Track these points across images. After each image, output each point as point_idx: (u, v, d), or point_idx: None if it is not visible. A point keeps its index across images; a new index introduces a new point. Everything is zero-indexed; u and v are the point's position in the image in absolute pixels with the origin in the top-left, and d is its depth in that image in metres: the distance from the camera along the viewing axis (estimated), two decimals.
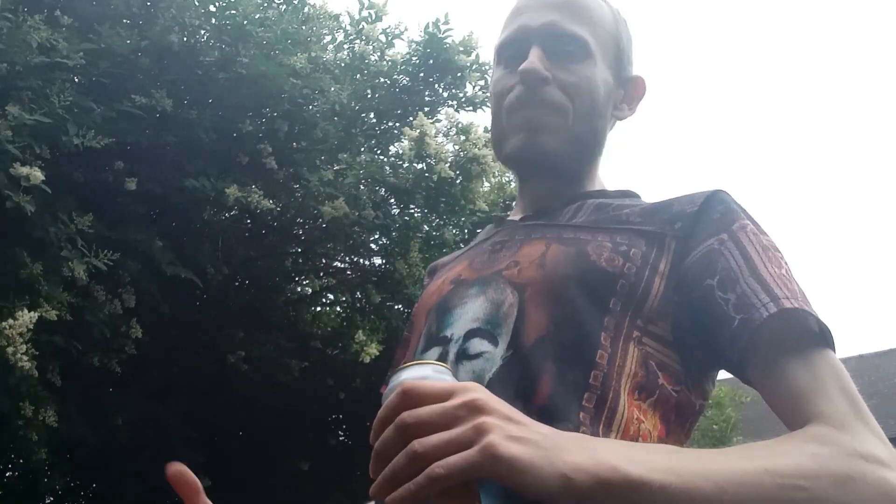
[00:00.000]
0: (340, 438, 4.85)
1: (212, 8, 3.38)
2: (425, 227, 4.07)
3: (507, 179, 4.70)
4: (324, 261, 4.36)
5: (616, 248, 0.78)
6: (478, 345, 0.76)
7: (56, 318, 2.63)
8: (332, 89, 3.54)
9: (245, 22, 3.29)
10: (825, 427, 0.66)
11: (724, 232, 0.77)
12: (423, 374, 0.61)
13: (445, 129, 3.99)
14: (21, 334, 2.40)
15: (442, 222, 4.04)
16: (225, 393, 3.86)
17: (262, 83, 3.30)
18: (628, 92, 0.95)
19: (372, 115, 3.86)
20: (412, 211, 3.99)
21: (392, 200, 3.87)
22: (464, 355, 0.76)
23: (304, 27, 3.71)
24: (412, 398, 0.57)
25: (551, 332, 0.73)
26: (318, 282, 4.26)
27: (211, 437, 3.78)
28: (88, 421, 3.27)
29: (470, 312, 0.79)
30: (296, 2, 3.80)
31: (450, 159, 3.67)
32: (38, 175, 2.46)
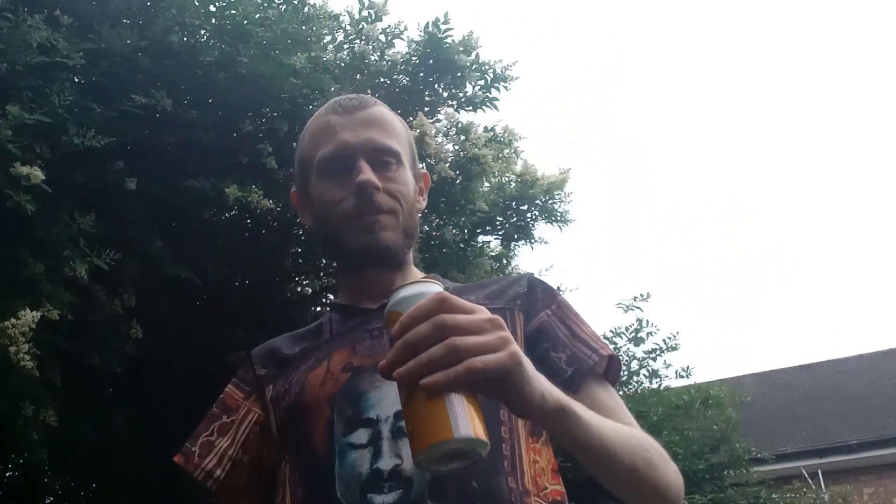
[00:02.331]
0: None
1: (212, 8, 3.38)
2: (425, 227, 4.07)
3: (507, 179, 4.71)
4: (324, 261, 4.36)
5: None
6: None
7: (58, 318, 2.63)
8: (332, 89, 3.54)
9: (245, 22, 3.29)
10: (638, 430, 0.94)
11: (548, 308, 1.04)
12: (434, 289, 0.73)
13: (445, 128, 3.99)
14: (23, 334, 2.41)
15: (442, 222, 4.04)
16: None
17: (262, 83, 3.30)
18: (419, 186, 1.14)
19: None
20: None
21: None
22: (401, 433, 0.88)
23: (304, 27, 3.71)
24: (449, 305, 0.69)
25: None
26: (318, 282, 4.26)
27: None
28: (88, 421, 3.27)
29: (391, 395, 0.86)
30: (296, 2, 3.80)
31: (450, 159, 3.67)
32: (38, 175, 2.46)
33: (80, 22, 3.09)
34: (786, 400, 12.91)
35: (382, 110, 1.09)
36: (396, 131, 1.08)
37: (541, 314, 1.02)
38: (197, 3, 3.30)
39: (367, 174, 1.00)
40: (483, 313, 0.70)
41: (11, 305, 2.50)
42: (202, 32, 3.43)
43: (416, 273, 1.10)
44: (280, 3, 3.76)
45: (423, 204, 1.15)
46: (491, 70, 3.99)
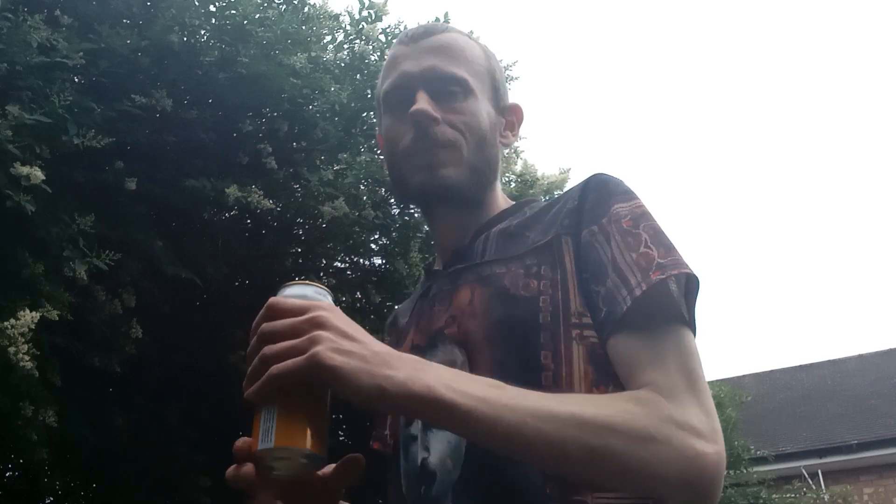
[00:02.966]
0: (340, 438, 4.84)
1: (212, 8, 3.38)
2: (425, 226, 4.07)
3: (507, 180, 4.71)
4: (324, 261, 4.36)
5: (528, 272, 0.86)
6: None
7: (57, 318, 2.63)
8: (332, 89, 3.54)
9: (245, 22, 3.29)
10: (651, 393, 0.73)
11: (595, 223, 0.86)
12: (303, 292, 0.71)
13: None
14: (23, 334, 2.40)
15: None
16: (225, 393, 3.86)
17: (262, 83, 3.30)
18: (508, 120, 1.03)
19: (372, 115, 3.86)
20: (412, 211, 3.99)
21: (392, 200, 3.87)
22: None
23: (304, 27, 3.71)
24: (273, 312, 0.68)
25: (498, 373, 0.74)
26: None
27: (211, 437, 3.78)
28: (88, 421, 3.26)
29: None
30: (296, 2, 3.80)
31: None
32: (38, 175, 2.46)
33: (80, 22, 3.09)
34: (786, 400, 12.91)
35: (453, 36, 0.98)
36: (468, 58, 0.97)
37: (584, 233, 0.85)
38: (197, 3, 3.30)
39: (422, 104, 0.91)
40: (308, 313, 0.67)
41: (11, 306, 2.50)
42: (202, 32, 3.43)
43: (500, 207, 0.99)
44: (280, 3, 3.76)
45: (512, 140, 1.03)
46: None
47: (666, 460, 0.68)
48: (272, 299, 0.69)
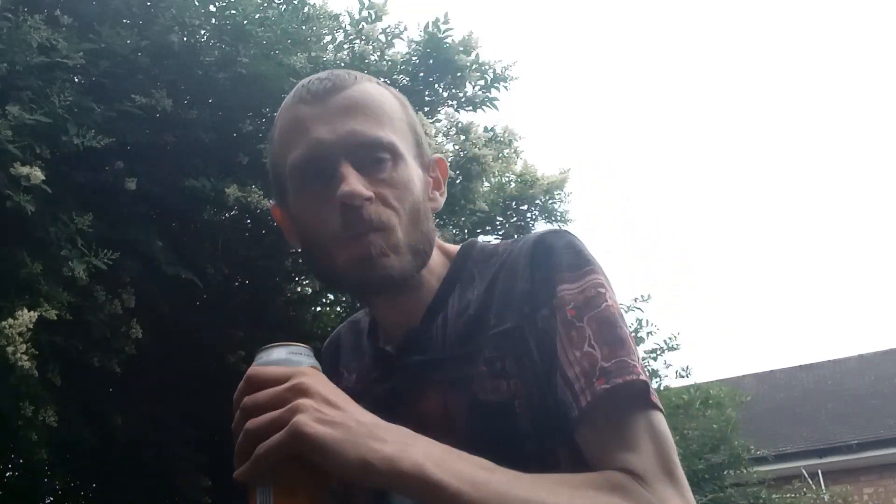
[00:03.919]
0: None
1: (212, 8, 3.37)
2: None
3: (507, 179, 4.71)
4: None
5: (492, 369, 0.78)
6: None
7: (56, 318, 2.63)
8: None
9: (245, 22, 3.29)
10: (630, 479, 0.68)
11: (545, 306, 0.78)
12: (279, 357, 0.68)
13: (445, 128, 3.99)
14: (21, 334, 2.40)
15: (442, 222, 4.04)
16: (225, 393, 3.85)
17: (262, 83, 3.30)
18: (434, 177, 0.91)
19: None
20: None
21: None
22: None
23: (304, 27, 3.70)
24: (253, 383, 0.65)
25: None
26: (318, 282, 4.26)
27: (211, 437, 3.78)
28: (88, 421, 3.27)
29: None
30: (296, 2, 3.80)
31: (449, 159, 3.67)
32: (38, 175, 2.46)
33: (80, 22, 3.09)
34: (786, 400, 12.91)
35: (365, 88, 0.83)
36: (388, 113, 0.83)
37: (538, 316, 0.78)
38: (197, 3, 3.30)
39: (350, 183, 0.77)
40: (290, 381, 0.64)
41: (9, 305, 2.50)
42: (202, 32, 3.42)
43: (439, 274, 0.89)
44: (280, 3, 3.76)
45: (441, 201, 0.91)
46: (491, 70, 3.99)
47: None
48: (251, 369, 0.66)
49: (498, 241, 0.94)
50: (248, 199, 3.18)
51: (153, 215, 3.38)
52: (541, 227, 4.78)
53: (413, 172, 0.84)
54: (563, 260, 0.80)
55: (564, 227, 0.86)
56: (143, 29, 3.19)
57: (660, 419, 0.74)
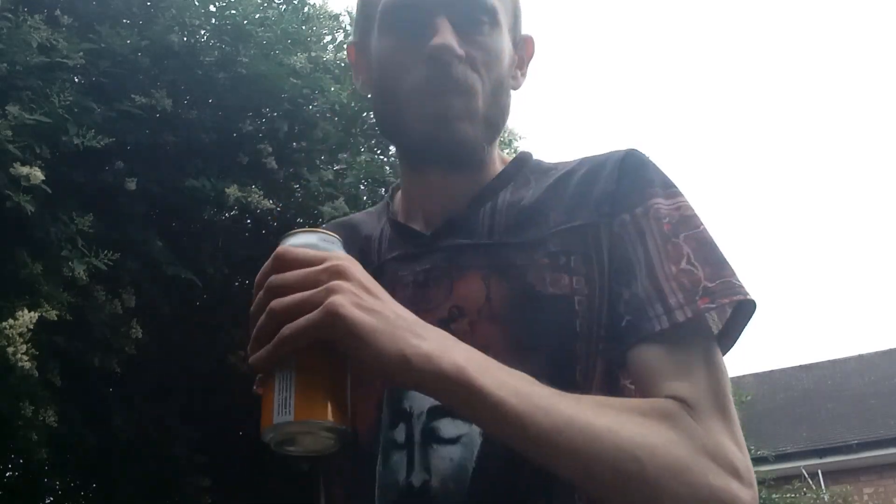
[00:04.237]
0: None
1: (212, 8, 3.38)
2: None
3: None
4: None
5: (555, 262, 0.73)
6: (450, 427, 0.70)
7: (56, 319, 2.62)
8: (332, 89, 3.54)
9: (245, 22, 3.29)
10: (680, 407, 0.63)
11: (627, 212, 0.73)
12: (309, 241, 0.62)
13: None
14: (21, 334, 2.40)
15: None
16: (225, 393, 3.86)
17: (262, 83, 3.30)
18: (520, 55, 0.86)
19: (372, 115, 3.86)
20: None
21: None
22: (433, 437, 0.70)
23: (304, 27, 3.71)
24: (282, 263, 0.59)
25: None
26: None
27: (211, 437, 3.78)
28: (88, 421, 3.26)
29: None
30: (296, 2, 3.80)
31: None
32: (38, 175, 2.46)
33: (80, 22, 3.09)
34: (786, 400, 12.91)
35: None
36: None
37: (615, 221, 0.73)
38: (197, 3, 3.30)
39: (446, 36, 0.74)
40: (324, 263, 0.58)
41: (9, 306, 2.50)
42: (202, 32, 3.43)
43: (495, 166, 0.83)
44: (280, 3, 3.76)
45: (521, 82, 0.86)
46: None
47: (700, 498, 0.60)
48: (280, 248, 0.60)
49: None
50: (248, 199, 3.18)
51: (153, 215, 3.38)
52: None
53: (506, 44, 0.80)
54: (655, 176, 0.75)
55: None
56: (143, 29, 3.19)
57: (720, 355, 0.69)
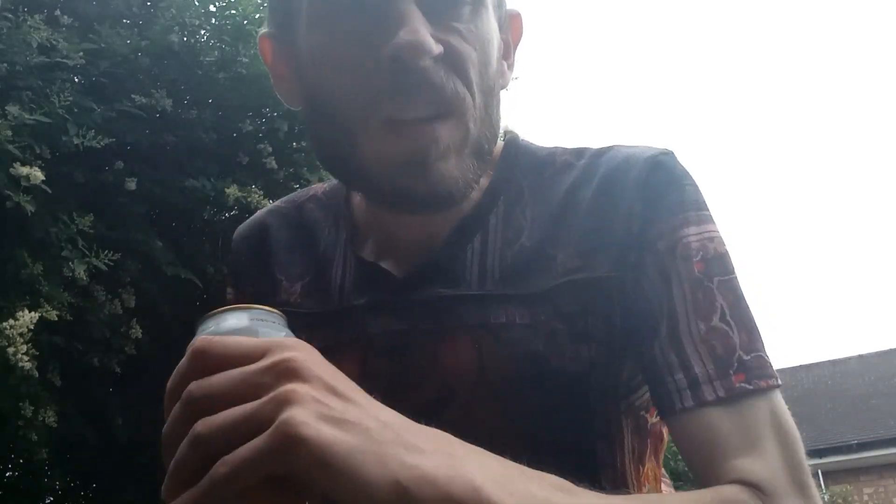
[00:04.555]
0: None
1: (212, 8, 3.38)
2: None
3: None
4: None
5: (573, 327, 0.58)
6: None
7: (56, 319, 2.63)
8: None
9: (245, 22, 3.30)
10: (750, 494, 0.50)
11: (649, 250, 0.58)
12: (240, 324, 0.43)
13: None
14: (21, 334, 2.40)
15: None
16: None
17: (262, 83, 3.30)
18: (506, 41, 0.65)
19: None
20: None
21: None
22: None
23: None
24: (206, 361, 0.40)
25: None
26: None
27: None
28: (88, 421, 3.26)
29: None
30: None
31: None
32: (38, 175, 2.46)
33: (80, 22, 3.09)
34: (786, 400, 12.87)
35: None
36: None
37: (645, 257, 0.58)
38: (197, 3, 3.30)
39: (415, 29, 0.52)
40: (268, 357, 0.39)
41: (9, 306, 2.50)
42: (202, 32, 3.43)
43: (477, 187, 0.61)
44: None
45: (509, 77, 0.64)
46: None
47: None
48: (199, 338, 0.41)
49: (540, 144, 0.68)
50: (248, 199, 3.19)
51: (153, 215, 3.38)
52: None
53: (493, 30, 0.60)
54: (687, 195, 0.59)
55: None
56: (143, 29, 3.19)
57: (786, 413, 0.56)
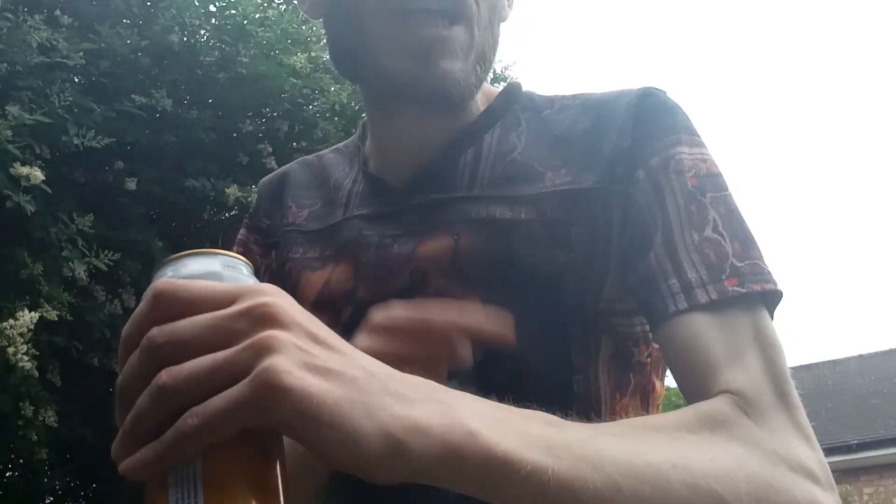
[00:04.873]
0: None
1: (212, 8, 3.38)
2: None
3: None
4: None
5: (551, 232, 0.59)
6: None
7: (56, 319, 2.63)
8: (332, 89, 3.54)
9: (245, 22, 3.30)
10: (734, 407, 0.51)
11: (642, 166, 0.59)
12: (208, 268, 0.39)
13: None
14: (21, 334, 2.40)
15: None
16: None
17: (262, 83, 3.30)
18: None
19: None
20: None
21: None
22: None
23: (304, 27, 3.71)
24: (169, 305, 0.35)
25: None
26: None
27: None
28: (88, 421, 3.27)
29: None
30: (296, 2, 3.80)
31: None
32: (38, 175, 2.46)
33: (80, 22, 3.09)
34: None
35: None
36: None
37: (630, 179, 0.59)
38: (197, 3, 3.30)
39: None
40: (241, 302, 0.35)
41: (10, 306, 2.50)
42: (202, 32, 3.43)
43: (477, 102, 0.67)
44: (280, 3, 3.76)
45: (508, 13, 0.69)
46: (491, 70, 4.00)
47: None
48: (161, 282, 0.37)
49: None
50: (248, 199, 3.19)
51: (153, 215, 3.38)
52: None
53: None
54: (678, 120, 0.61)
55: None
56: (143, 29, 3.19)
57: (771, 326, 0.56)
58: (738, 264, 0.56)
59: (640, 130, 0.60)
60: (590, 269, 0.59)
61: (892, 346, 13.75)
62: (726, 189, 0.59)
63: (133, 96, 3.04)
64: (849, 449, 10.97)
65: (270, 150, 3.43)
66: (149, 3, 3.31)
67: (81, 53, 2.82)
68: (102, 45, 2.97)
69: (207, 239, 3.69)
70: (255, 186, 3.26)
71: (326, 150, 0.80)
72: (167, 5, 3.21)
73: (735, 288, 0.54)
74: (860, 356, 13.93)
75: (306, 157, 0.82)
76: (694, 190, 0.58)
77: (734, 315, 0.55)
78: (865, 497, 11.07)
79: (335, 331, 0.39)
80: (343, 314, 0.64)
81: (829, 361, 14.07)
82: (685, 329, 0.55)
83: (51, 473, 3.77)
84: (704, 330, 0.54)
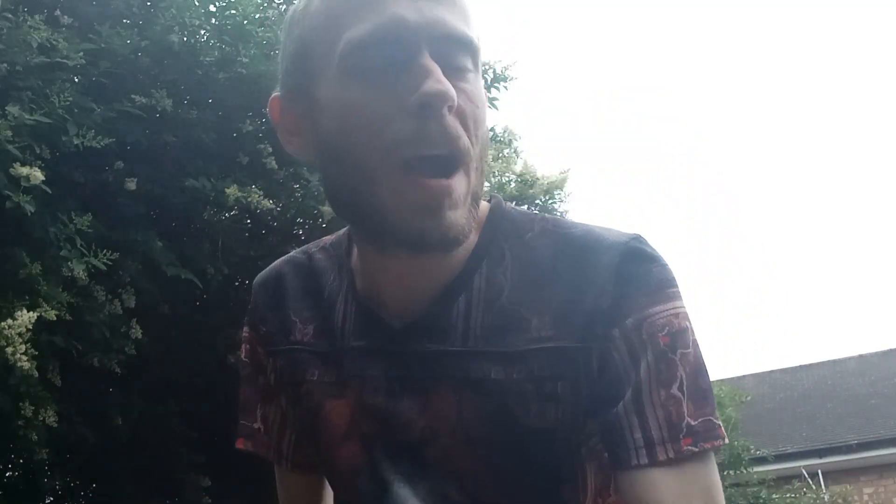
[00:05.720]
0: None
1: (212, 8, 3.38)
2: None
3: (507, 179, 4.71)
4: None
5: (541, 389, 0.66)
6: None
7: (55, 319, 2.62)
8: None
9: (245, 22, 3.30)
10: None
11: (616, 325, 0.65)
12: None
13: None
14: (20, 334, 2.40)
15: None
16: (225, 393, 3.86)
17: (262, 83, 3.30)
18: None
19: None
20: None
21: None
22: None
23: None
24: None
25: None
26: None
27: (211, 437, 3.78)
28: (88, 421, 3.26)
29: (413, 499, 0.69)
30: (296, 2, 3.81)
31: None
32: (38, 175, 2.46)
33: (80, 22, 3.09)
34: (786, 400, 12.92)
35: None
36: (471, 15, 0.65)
37: (611, 332, 0.65)
38: (197, 3, 3.30)
39: (441, 79, 0.59)
40: None
41: (8, 306, 2.50)
42: (202, 32, 3.43)
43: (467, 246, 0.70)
44: (280, 3, 3.76)
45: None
46: (491, 70, 4.00)
47: None
48: None
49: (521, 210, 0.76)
50: (248, 199, 3.18)
51: (153, 215, 3.38)
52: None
53: (485, 95, 0.67)
54: (654, 277, 0.66)
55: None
56: (143, 29, 3.19)
57: (715, 472, 0.65)
58: (693, 423, 0.63)
59: (619, 290, 0.65)
60: (576, 417, 0.67)
61: (892, 346, 13.75)
62: (692, 342, 0.66)
63: (133, 96, 3.04)
64: (849, 449, 10.97)
65: (270, 150, 3.43)
66: (149, 3, 3.31)
67: (81, 53, 2.81)
68: (102, 45, 2.97)
69: (207, 239, 3.69)
70: (256, 186, 3.28)
71: (313, 248, 0.83)
72: (167, 5, 3.21)
73: (689, 448, 0.63)
74: (860, 356, 13.93)
75: (295, 255, 0.83)
76: (665, 349, 0.64)
77: (686, 469, 0.63)
78: (865, 497, 11.07)
79: (363, 461, 0.61)
80: (363, 443, 0.71)
81: (829, 361, 14.07)
82: (644, 483, 0.63)
83: (51, 473, 3.77)
84: (661, 485, 0.62)
